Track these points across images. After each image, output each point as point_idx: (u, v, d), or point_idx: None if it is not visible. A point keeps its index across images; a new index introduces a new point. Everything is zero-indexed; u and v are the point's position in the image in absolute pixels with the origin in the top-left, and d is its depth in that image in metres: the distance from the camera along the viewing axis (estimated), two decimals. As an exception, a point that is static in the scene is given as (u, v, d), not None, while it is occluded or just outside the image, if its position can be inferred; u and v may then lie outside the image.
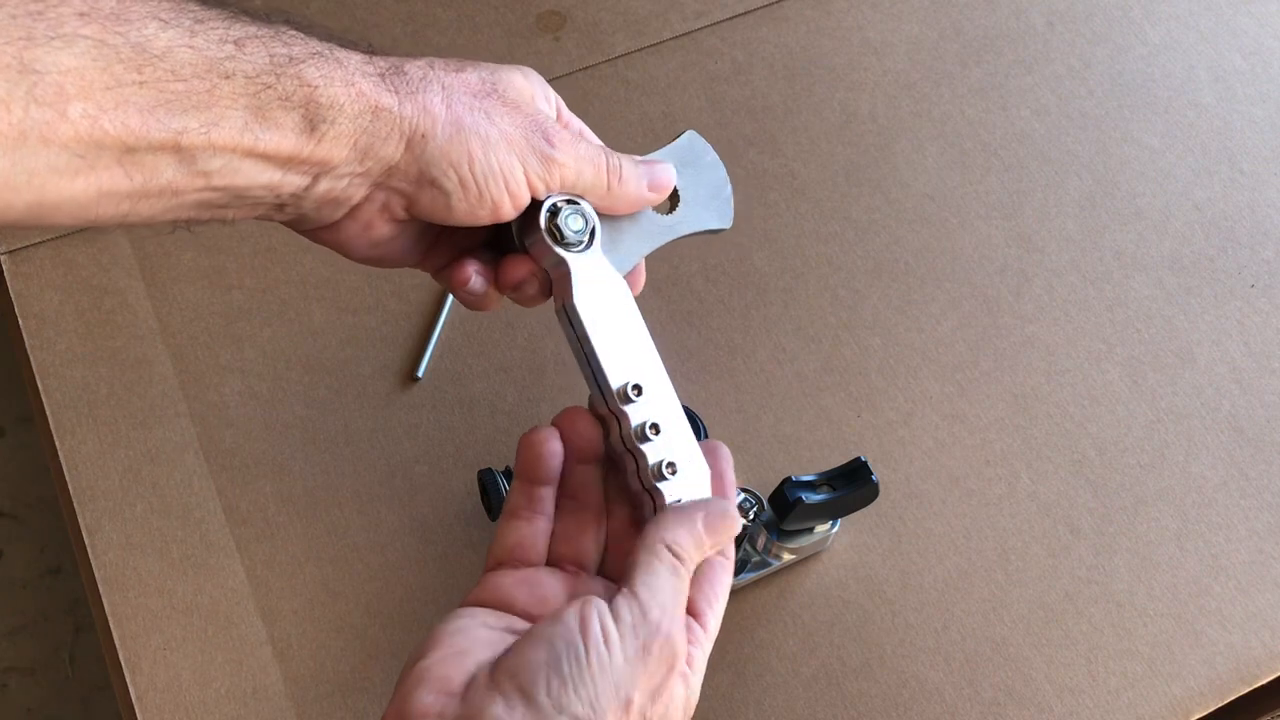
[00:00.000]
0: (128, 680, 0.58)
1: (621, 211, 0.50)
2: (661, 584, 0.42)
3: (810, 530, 0.60)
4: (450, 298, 0.69)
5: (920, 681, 0.60)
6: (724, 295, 0.70)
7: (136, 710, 0.57)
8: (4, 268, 0.69)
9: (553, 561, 0.48)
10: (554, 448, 0.48)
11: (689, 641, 0.44)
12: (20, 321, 0.67)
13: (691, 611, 0.45)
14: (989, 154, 0.77)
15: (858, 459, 0.58)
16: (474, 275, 0.49)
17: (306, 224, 0.46)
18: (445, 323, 0.69)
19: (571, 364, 0.67)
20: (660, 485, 0.47)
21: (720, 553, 0.47)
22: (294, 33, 0.42)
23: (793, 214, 0.74)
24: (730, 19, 0.81)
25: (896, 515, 0.64)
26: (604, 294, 0.48)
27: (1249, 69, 0.81)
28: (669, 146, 0.52)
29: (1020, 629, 0.61)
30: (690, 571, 0.44)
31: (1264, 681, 0.61)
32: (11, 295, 0.68)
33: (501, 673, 0.40)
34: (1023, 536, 0.64)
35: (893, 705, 0.59)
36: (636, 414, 0.47)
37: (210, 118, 0.39)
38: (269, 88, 0.40)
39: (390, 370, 0.67)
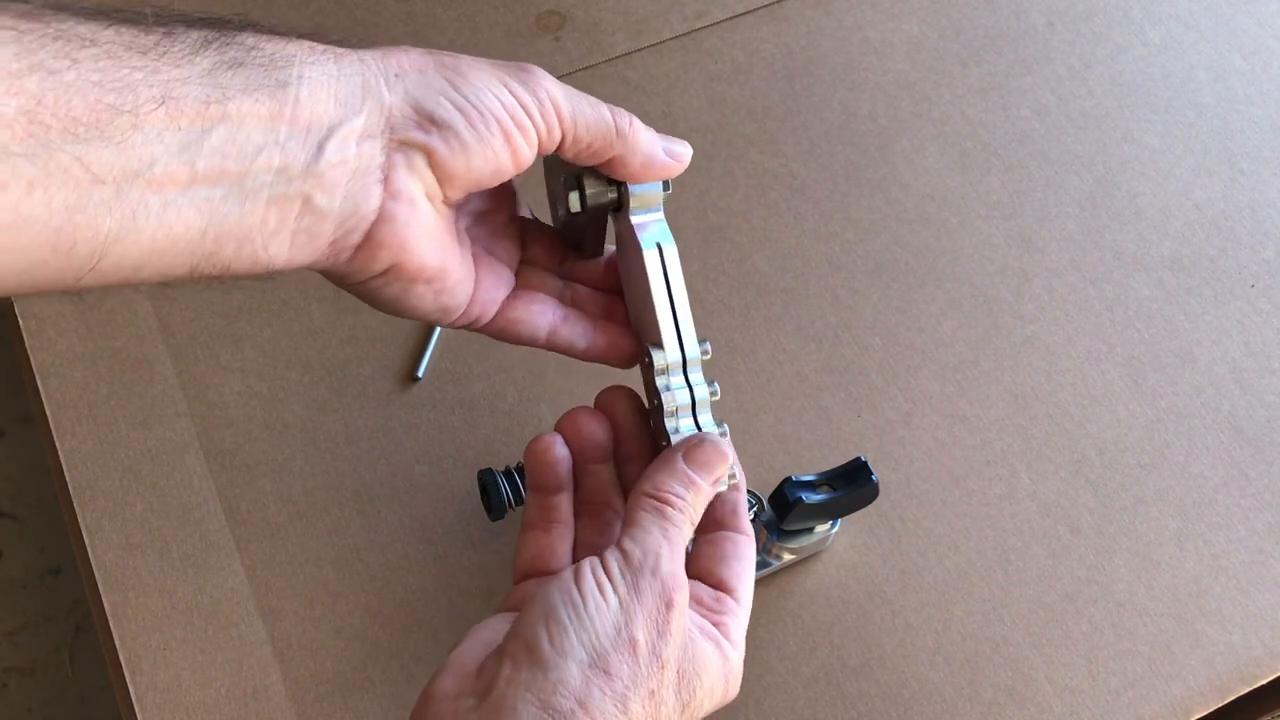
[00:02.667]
0: (128, 680, 0.58)
1: (636, 172, 0.47)
2: (645, 531, 0.43)
3: (810, 530, 0.60)
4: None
5: (920, 681, 0.60)
6: (724, 295, 0.70)
7: (136, 710, 0.57)
8: (4, 268, 0.69)
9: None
10: (560, 453, 0.48)
11: (719, 611, 0.45)
12: (20, 321, 0.67)
13: (720, 585, 0.46)
14: (989, 154, 0.77)
15: (858, 459, 0.58)
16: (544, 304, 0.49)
17: (354, 227, 0.41)
18: (445, 323, 0.69)
19: (571, 364, 0.67)
20: (715, 431, 0.48)
21: (737, 529, 0.47)
22: (217, 18, 0.40)
23: (793, 214, 0.74)
24: (730, 19, 0.81)
25: (896, 515, 0.64)
26: None
27: (1249, 69, 0.81)
28: None
29: (1020, 629, 0.61)
30: (683, 512, 0.44)
31: (1264, 681, 0.60)
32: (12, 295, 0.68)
33: (508, 640, 0.41)
34: (1023, 536, 0.64)
35: (893, 705, 0.59)
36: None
37: (164, 91, 0.36)
38: (214, 55, 0.37)
39: (390, 370, 0.67)
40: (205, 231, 0.38)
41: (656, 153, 0.47)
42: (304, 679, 0.59)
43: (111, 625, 0.59)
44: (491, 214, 0.49)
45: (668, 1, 0.82)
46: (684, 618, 0.42)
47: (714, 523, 0.48)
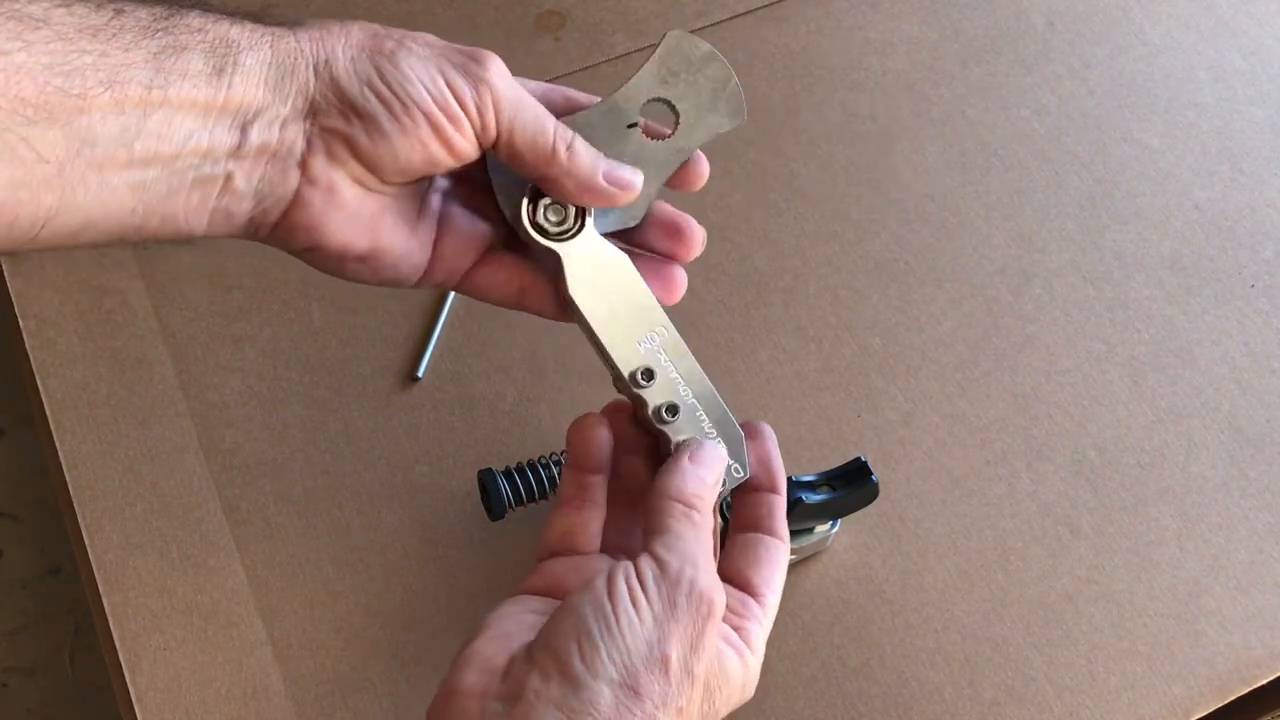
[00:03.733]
0: (128, 680, 0.58)
1: (571, 195, 0.45)
2: (679, 537, 0.42)
3: (810, 530, 0.60)
4: (451, 297, 0.69)
5: (920, 681, 0.60)
6: (724, 295, 0.70)
7: (136, 710, 0.57)
8: (4, 268, 0.69)
9: (606, 549, 0.47)
10: (602, 434, 0.47)
11: (743, 615, 0.44)
12: (20, 321, 0.67)
13: (747, 587, 0.45)
14: (989, 154, 0.77)
15: (858, 459, 0.58)
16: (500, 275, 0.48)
17: (270, 207, 0.42)
18: (445, 323, 0.69)
19: (571, 364, 0.67)
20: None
21: (772, 532, 0.47)
22: None
23: (793, 214, 0.74)
24: (730, 19, 0.81)
25: (896, 515, 0.64)
26: (605, 278, 0.47)
27: (1249, 69, 0.81)
28: (650, 61, 0.48)
29: (1020, 629, 0.61)
30: (706, 516, 0.44)
31: (1264, 681, 0.60)
32: (11, 295, 0.68)
33: (537, 647, 0.40)
34: (1023, 536, 0.64)
35: (893, 705, 0.59)
36: (652, 398, 0.47)
37: (110, 75, 0.37)
38: (161, 39, 0.38)
39: (390, 370, 0.67)
40: (135, 209, 0.39)
41: (594, 178, 0.45)
42: (304, 679, 0.59)
43: (111, 625, 0.59)
44: (474, 174, 0.48)
45: (668, 1, 0.82)
46: (716, 631, 0.41)
47: (749, 523, 0.47)
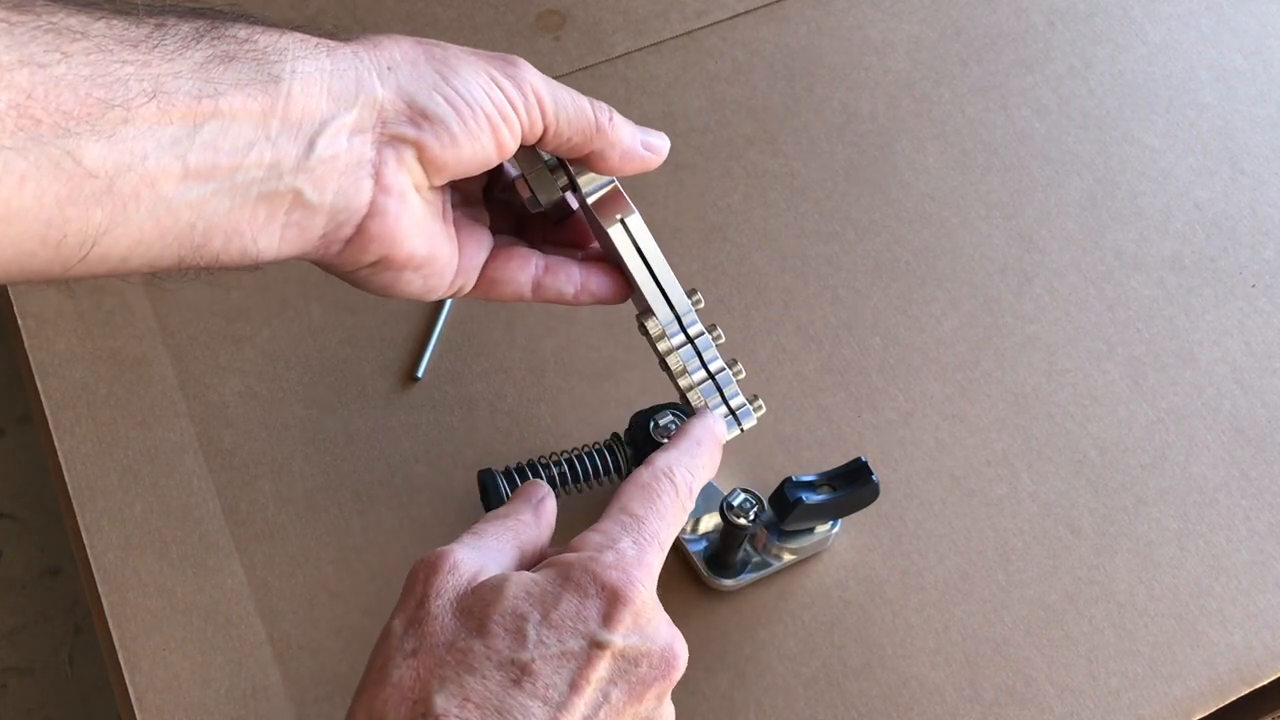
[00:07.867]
0: (127, 680, 0.58)
1: (614, 165, 0.47)
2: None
3: (810, 530, 0.60)
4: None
5: (921, 682, 0.59)
6: (724, 295, 0.70)
7: (136, 710, 0.57)
8: (3, 268, 0.69)
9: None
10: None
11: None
12: (20, 321, 0.67)
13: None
14: (989, 154, 0.76)
15: (858, 459, 0.58)
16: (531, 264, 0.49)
17: (345, 221, 0.42)
18: (445, 323, 0.69)
19: (571, 364, 0.67)
20: (729, 371, 0.52)
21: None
22: (209, 10, 0.40)
23: (793, 214, 0.74)
24: (730, 19, 0.81)
25: (897, 515, 0.64)
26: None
27: (1250, 69, 0.81)
28: None
29: (1021, 629, 0.61)
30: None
31: (1265, 682, 0.60)
32: (11, 295, 0.68)
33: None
34: (1023, 537, 0.63)
35: (893, 706, 0.59)
36: (704, 315, 0.51)
37: (154, 85, 0.36)
38: (206, 49, 0.38)
39: (390, 370, 0.67)
40: (194, 225, 0.38)
41: (635, 147, 0.48)
42: (304, 679, 0.59)
43: (111, 625, 0.59)
44: (467, 180, 0.49)
45: (668, 1, 0.81)
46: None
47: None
